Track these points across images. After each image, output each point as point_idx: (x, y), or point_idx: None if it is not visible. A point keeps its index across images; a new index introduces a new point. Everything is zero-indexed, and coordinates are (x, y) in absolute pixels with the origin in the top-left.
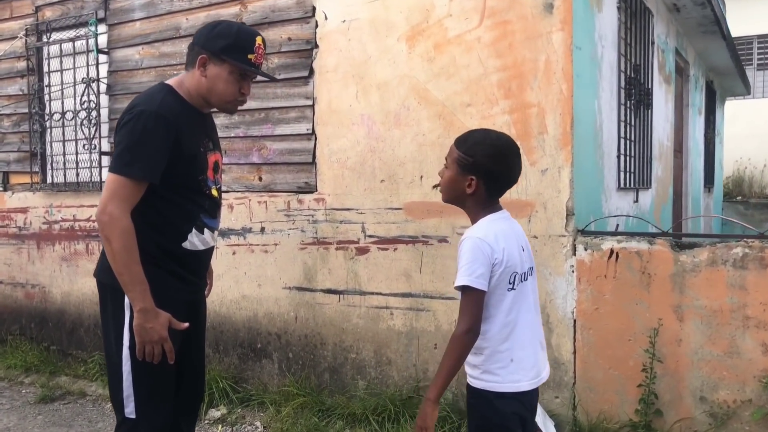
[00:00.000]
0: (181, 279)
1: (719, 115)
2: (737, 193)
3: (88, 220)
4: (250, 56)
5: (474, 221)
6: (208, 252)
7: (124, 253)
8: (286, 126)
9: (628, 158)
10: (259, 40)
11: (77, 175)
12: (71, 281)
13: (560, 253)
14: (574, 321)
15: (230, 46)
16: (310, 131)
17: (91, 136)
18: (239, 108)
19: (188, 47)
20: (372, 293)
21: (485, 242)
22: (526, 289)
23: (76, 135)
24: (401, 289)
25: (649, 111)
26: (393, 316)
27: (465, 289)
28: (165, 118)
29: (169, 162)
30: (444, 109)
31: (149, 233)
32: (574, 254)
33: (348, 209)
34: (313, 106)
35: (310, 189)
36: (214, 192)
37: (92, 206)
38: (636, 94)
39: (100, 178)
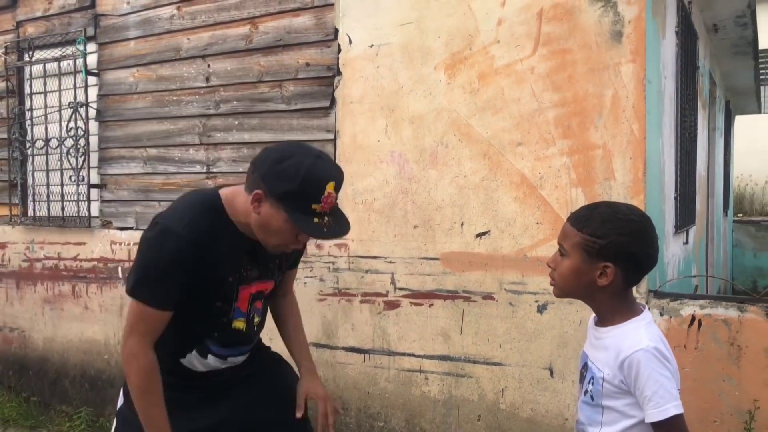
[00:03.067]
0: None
1: (732, 135)
2: (738, 210)
3: (74, 259)
4: (314, 206)
5: (609, 318)
6: (222, 371)
7: (139, 393)
8: None
9: (680, 197)
10: (330, 187)
11: (62, 209)
12: (55, 326)
13: None
14: None
15: (292, 194)
16: None
17: (79, 167)
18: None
19: (250, 165)
20: (403, 354)
21: (664, 354)
22: None
23: (61, 164)
24: (438, 350)
25: (695, 143)
26: (428, 382)
27: (676, 417)
28: (185, 240)
29: (186, 288)
30: (490, 148)
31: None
32: None
33: (375, 257)
34: (334, 140)
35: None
36: (238, 324)
37: (79, 244)
38: (688, 127)
39: (89, 213)
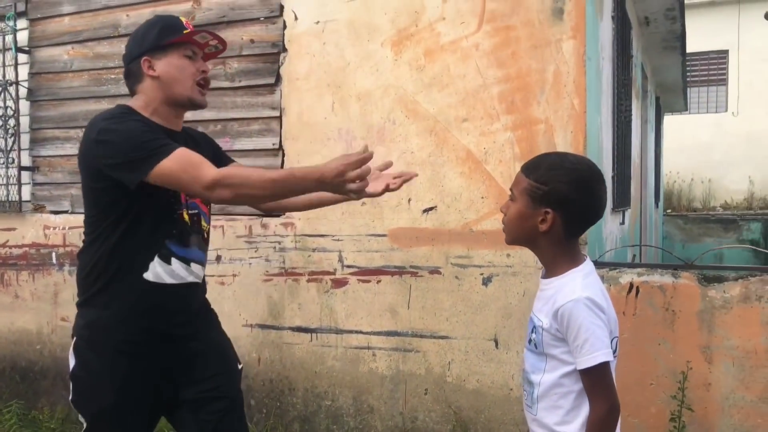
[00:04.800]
0: (133, 325)
1: (662, 131)
2: (667, 206)
3: (3, 245)
4: (185, 31)
5: (551, 267)
6: (184, 288)
7: (252, 191)
8: (248, 140)
9: (616, 177)
10: (183, 18)
11: None
12: None
13: None
14: None
15: (163, 30)
16: (277, 146)
17: (8, 149)
18: (200, 109)
19: (124, 76)
20: (351, 331)
21: (597, 303)
22: None
23: None
24: (386, 326)
25: (630, 128)
26: (376, 358)
27: (601, 365)
28: (132, 115)
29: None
30: (436, 124)
31: (104, 262)
32: None
33: (322, 235)
34: (280, 117)
35: (276, 213)
36: (185, 215)
37: (8, 230)
38: (624, 111)
39: (20, 197)
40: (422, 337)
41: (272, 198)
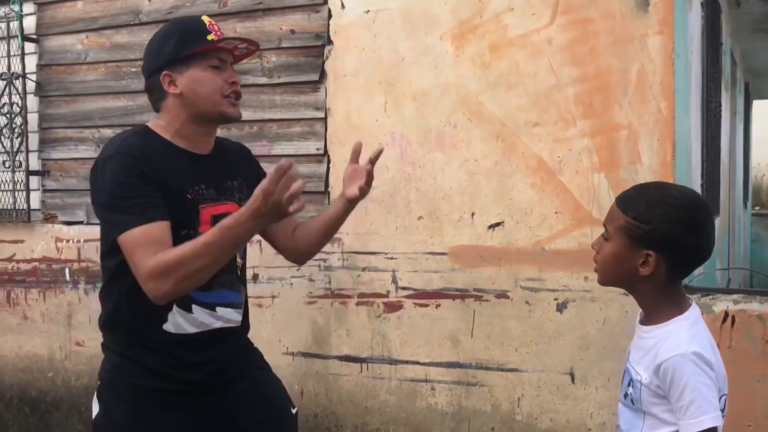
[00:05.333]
0: (161, 375)
1: (751, 121)
2: (755, 203)
3: (10, 259)
4: (209, 37)
5: (651, 314)
6: (212, 336)
7: (192, 267)
8: (288, 144)
9: (705, 185)
10: (206, 18)
11: None
12: None
13: None
14: None
15: (182, 39)
16: (322, 151)
17: (15, 150)
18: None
19: (145, 90)
20: (406, 362)
21: (705, 359)
22: None
23: None
24: (446, 357)
25: (719, 126)
26: (435, 392)
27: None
28: (132, 156)
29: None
30: (503, 129)
31: (118, 316)
32: None
33: (373, 253)
34: (325, 119)
35: None
36: None
37: (15, 242)
38: (713, 109)
39: (28, 205)
40: (488, 370)
41: (220, 263)
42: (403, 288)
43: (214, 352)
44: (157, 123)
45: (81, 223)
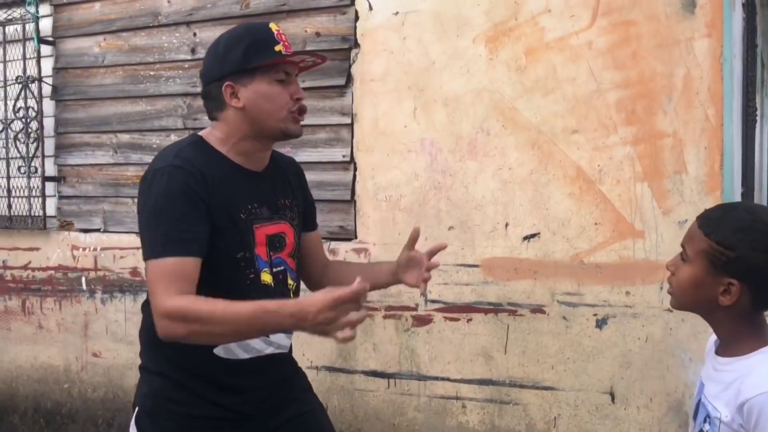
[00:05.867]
0: (206, 401)
1: None
2: None
3: (25, 267)
4: (277, 48)
5: (730, 345)
6: (263, 362)
7: (212, 329)
8: (313, 150)
9: (745, 194)
10: (273, 26)
11: (9, 206)
12: (1, 349)
13: (705, 332)
14: None
15: (251, 48)
16: (348, 158)
17: (31, 155)
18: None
19: (202, 95)
20: (436, 378)
21: None
22: None
23: (7, 153)
24: (478, 373)
25: (755, 131)
26: (466, 410)
27: None
28: (186, 170)
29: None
30: (539, 136)
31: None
32: None
33: None
34: (351, 125)
35: (347, 235)
36: (265, 277)
37: (31, 249)
38: (752, 114)
39: (44, 212)
40: (522, 387)
41: (239, 338)
42: (433, 301)
43: (262, 379)
44: (212, 133)
45: (98, 230)
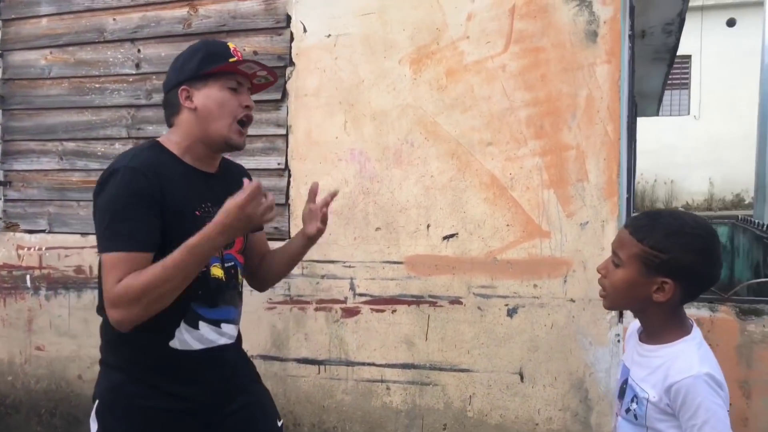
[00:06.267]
0: (165, 393)
1: (635, 136)
2: (636, 210)
3: None
4: (231, 60)
5: (657, 335)
6: (215, 352)
7: (155, 291)
8: (250, 159)
9: (628, 200)
10: (231, 44)
11: None
12: None
13: (603, 320)
14: None
15: (206, 58)
16: (283, 166)
17: None
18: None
19: (162, 103)
20: (363, 364)
21: (717, 380)
22: None
23: None
24: (401, 359)
25: (634, 142)
26: (390, 392)
27: None
28: (141, 171)
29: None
30: (458, 148)
31: (123, 335)
32: (621, 321)
33: (332, 262)
34: (286, 135)
35: (281, 236)
36: (216, 271)
37: None
38: (635, 130)
39: None
40: (441, 370)
41: (188, 282)
42: (361, 294)
43: (217, 368)
44: (168, 138)
45: (43, 231)
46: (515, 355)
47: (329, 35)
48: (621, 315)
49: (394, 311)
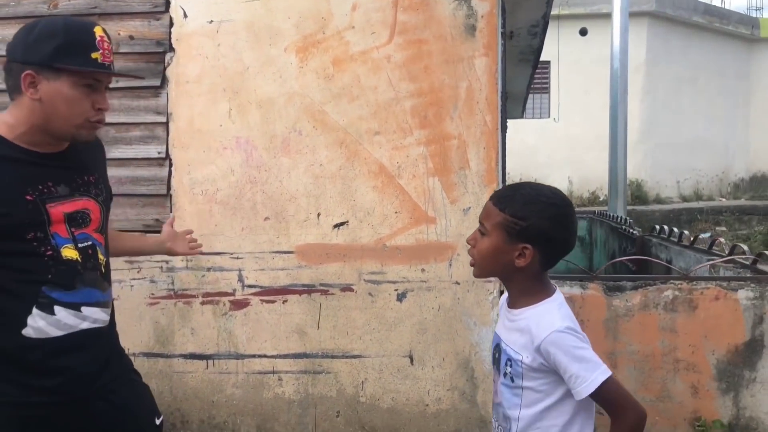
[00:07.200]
0: (24, 387)
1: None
2: None
3: None
4: (94, 55)
5: (522, 299)
6: (78, 338)
7: None
8: (127, 147)
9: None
10: (99, 30)
11: None
12: None
13: (486, 300)
14: None
15: (62, 48)
16: (163, 155)
17: None
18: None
19: (3, 68)
20: (253, 356)
21: (578, 331)
22: None
23: None
24: (293, 349)
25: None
26: (282, 382)
27: (606, 382)
28: None
29: None
30: (347, 137)
31: None
32: None
33: (218, 253)
34: (167, 123)
35: (161, 228)
36: (68, 252)
37: None
38: (505, 120)
39: None
40: (333, 358)
41: None
42: (250, 286)
43: (82, 356)
44: (2, 118)
45: None
46: (405, 339)
47: (211, 21)
48: (502, 294)
49: (285, 301)
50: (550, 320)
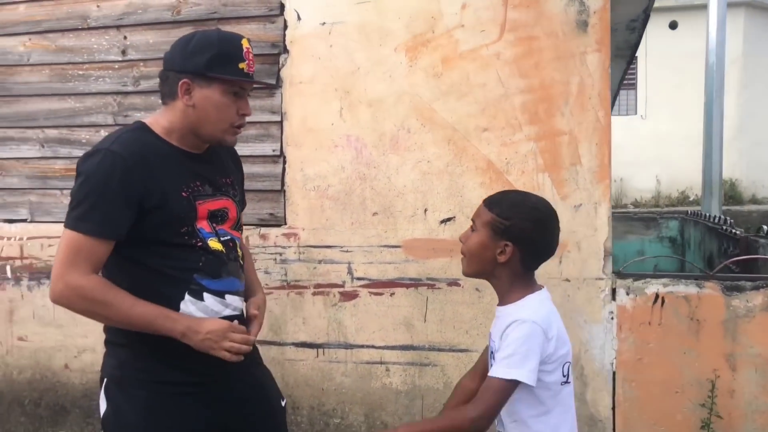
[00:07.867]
0: (173, 366)
1: None
2: None
3: None
4: (241, 65)
5: (506, 296)
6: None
7: (109, 310)
8: (244, 145)
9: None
10: (245, 43)
11: None
12: None
13: (597, 298)
14: (614, 373)
15: (215, 59)
16: (278, 152)
17: None
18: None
19: (160, 76)
20: (362, 346)
21: (541, 329)
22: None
23: None
24: (400, 340)
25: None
26: (389, 373)
27: (502, 380)
28: (121, 156)
29: (138, 213)
30: (454, 134)
31: None
32: (614, 299)
33: (329, 246)
34: (281, 122)
35: (276, 222)
36: (214, 244)
37: None
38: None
39: None
40: (440, 351)
41: (123, 326)
42: (359, 278)
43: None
44: (156, 120)
45: (24, 221)
46: None
47: (324, 23)
48: (614, 294)
49: (392, 294)
50: (523, 312)
